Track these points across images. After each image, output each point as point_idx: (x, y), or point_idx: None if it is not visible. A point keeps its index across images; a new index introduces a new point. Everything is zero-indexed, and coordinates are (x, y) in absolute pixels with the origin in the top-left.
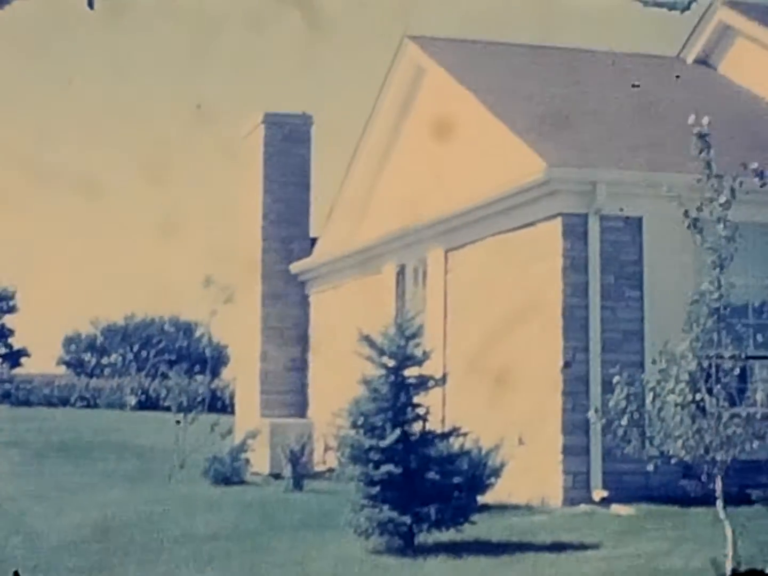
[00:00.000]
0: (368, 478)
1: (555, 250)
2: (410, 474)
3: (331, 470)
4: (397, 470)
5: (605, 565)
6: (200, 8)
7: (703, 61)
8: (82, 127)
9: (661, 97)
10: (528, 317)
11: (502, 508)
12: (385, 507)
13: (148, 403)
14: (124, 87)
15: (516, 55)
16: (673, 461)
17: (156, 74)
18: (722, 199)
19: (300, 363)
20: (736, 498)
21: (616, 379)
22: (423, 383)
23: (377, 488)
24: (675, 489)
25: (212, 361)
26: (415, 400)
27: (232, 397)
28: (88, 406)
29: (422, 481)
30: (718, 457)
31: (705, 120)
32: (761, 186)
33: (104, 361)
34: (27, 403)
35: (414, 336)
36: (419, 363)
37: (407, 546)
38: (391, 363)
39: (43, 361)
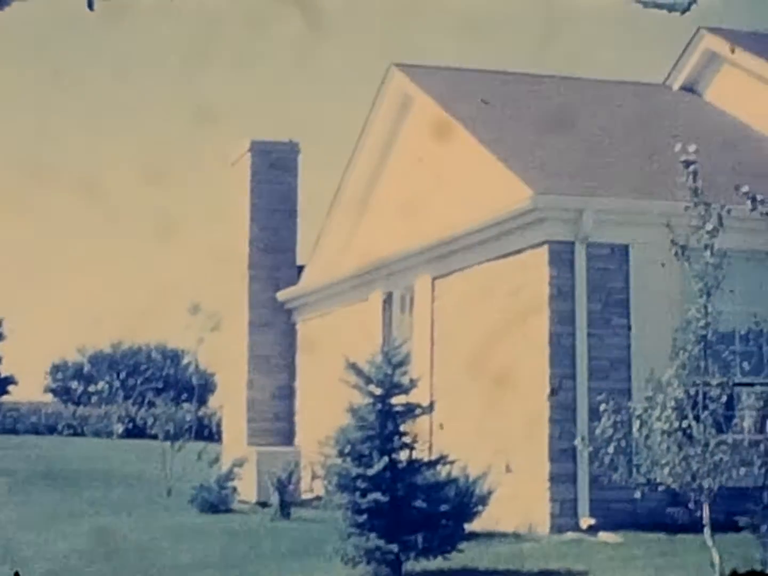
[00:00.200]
0: (355, 507)
1: (542, 277)
2: (397, 502)
3: (318, 498)
4: (384, 498)
5: None
6: (200, 8)
7: (689, 88)
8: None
9: (647, 125)
10: (515, 345)
11: (490, 535)
12: (373, 535)
13: (135, 431)
14: (123, 87)
15: (503, 83)
16: (660, 488)
17: (156, 74)
18: (709, 227)
19: (287, 391)
20: (723, 525)
21: (602, 407)
22: (410, 411)
23: (364, 516)
24: (662, 516)
25: (199, 389)
26: (402, 428)
27: (219, 425)
28: (75, 434)
29: (409, 509)
30: (705, 485)
31: (692, 148)
32: (751, 210)
33: (91, 389)
34: (14, 431)
35: (401, 364)
36: (406, 391)
37: (394, 574)
38: (378, 391)
39: (30, 389)
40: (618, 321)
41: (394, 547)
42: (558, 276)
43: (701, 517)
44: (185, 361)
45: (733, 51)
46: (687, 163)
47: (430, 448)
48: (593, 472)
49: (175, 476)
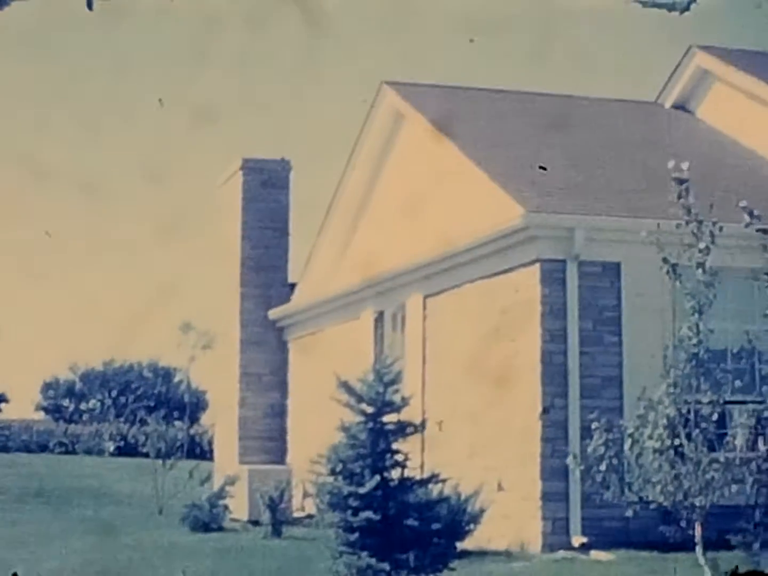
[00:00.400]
0: (347, 525)
1: (533, 295)
2: (389, 520)
3: (310, 517)
4: (376, 517)
5: None
6: (200, 8)
7: (681, 106)
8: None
9: (639, 142)
10: (506, 363)
11: (482, 554)
12: (364, 554)
13: (127, 449)
14: (123, 87)
15: (494, 101)
16: (652, 507)
17: (156, 75)
18: (702, 245)
19: (279, 409)
20: (715, 543)
21: (594, 425)
22: (402, 429)
23: (356, 535)
24: (654, 534)
25: (191, 407)
26: (394, 446)
27: (210, 443)
28: (66, 452)
29: (401, 527)
30: (697, 503)
31: (684, 165)
32: (747, 225)
33: (83, 406)
34: (5, 449)
35: (393, 382)
36: (398, 409)
37: None
38: (370, 409)
39: (22, 406)
40: (610, 339)
41: (386, 566)
42: (550, 294)
43: (693, 536)
44: (177, 379)
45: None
46: (679, 181)
47: (421, 467)
48: (585, 490)
49: (166, 494)
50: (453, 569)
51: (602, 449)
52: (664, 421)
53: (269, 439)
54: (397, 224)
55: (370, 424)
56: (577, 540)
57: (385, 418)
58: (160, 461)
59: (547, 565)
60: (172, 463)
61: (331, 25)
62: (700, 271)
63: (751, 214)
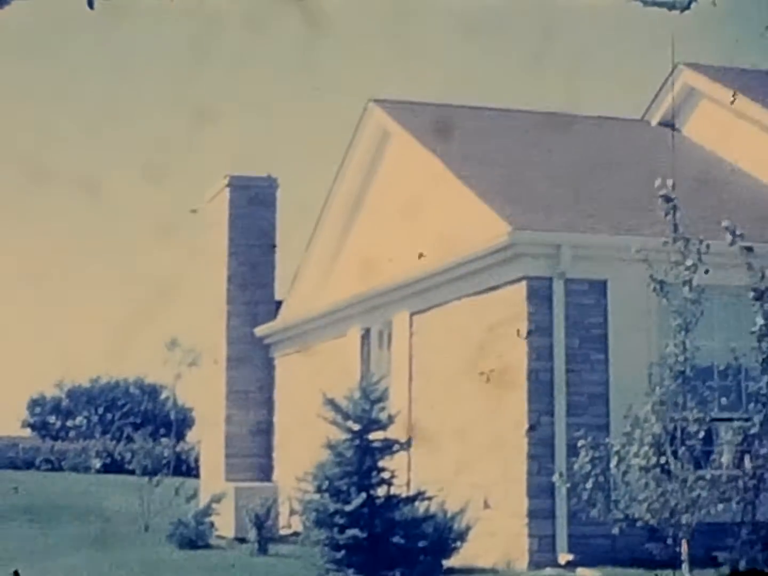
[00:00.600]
0: (333, 543)
1: (520, 313)
2: (375, 538)
3: (296, 534)
4: (362, 534)
5: None
6: (200, 8)
7: (667, 123)
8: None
9: (626, 160)
10: (493, 380)
11: (468, 571)
12: (351, 571)
13: (113, 466)
14: (123, 87)
15: (481, 118)
16: (638, 524)
17: (156, 75)
18: (689, 262)
19: (265, 426)
20: (702, 561)
21: (580, 442)
22: (388, 447)
23: (342, 552)
24: (641, 552)
25: (177, 424)
26: (380, 463)
27: (197, 461)
28: (52, 468)
29: (387, 545)
30: (684, 520)
31: (670, 183)
32: (730, 244)
33: (69, 423)
34: None
35: (379, 400)
36: (384, 427)
37: None
38: (356, 427)
39: (8, 423)
40: (596, 356)
41: None
42: (536, 311)
43: (680, 553)
44: (163, 396)
45: (734, 98)
46: (666, 199)
47: (408, 484)
48: (572, 507)
49: (153, 512)
50: None
51: (588, 467)
52: (650, 438)
53: (256, 456)
54: (384, 242)
55: (357, 442)
56: (564, 557)
57: (372, 436)
58: (146, 478)
59: None
60: (159, 480)
61: (332, 25)
62: (686, 288)
63: (733, 233)
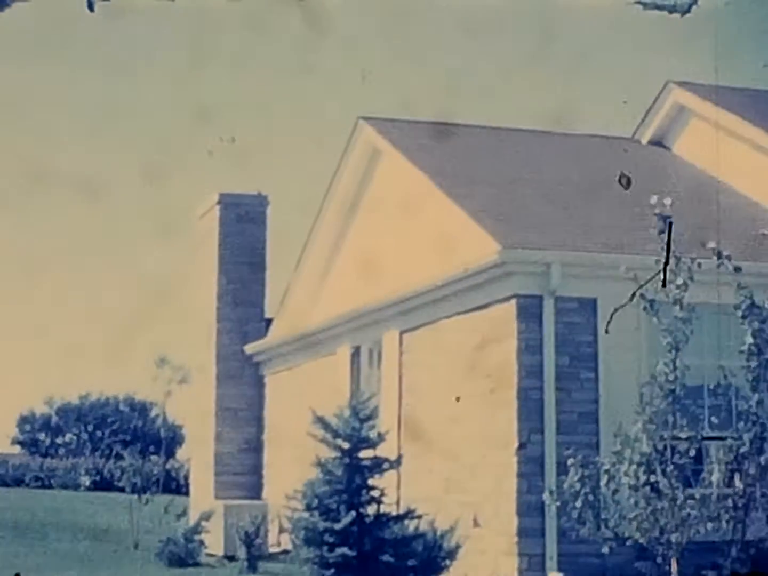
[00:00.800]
0: (323, 561)
1: (510, 331)
2: (365, 556)
3: (286, 552)
4: (352, 553)
5: None
6: (200, 8)
7: (657, 142)
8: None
9: (615, 178)
10: (483, 399)
11: None
12: None
13: (103, 484)
14: (123, 87)
15: (471, 137)
16: (628, 543)
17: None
18: (679, 281)
19: (255, 444)
20: None
21: (570, 461)
22: (377, 465)
23: (332, 571)
24: (631, 571)
25: (167, 442)
26: (370, 482)
27: (186, 478)
28: (42, 486)
29: (377, 563)
30: (673, 539)
31: (667, 201)
32: (717, 266)
33: (59, 440)
34: None
35: (369, 418)
36: (374, 445)
37: None
38: (346, 445)
39: None
40: (586, 375)
41: None
42: (526, 330)
43: (670, 572)
44: (153, 413)
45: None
46: (661, 217)
47: (398, 502)
48: (561, 526)
49: (142, 529)
50: None
51: (578, 485)
52: (640, 457)
53: (245, 474)
54: (374, 260)
55: (346, 460)
56: None
57: (361, 454)
58: (135, 496)
59: None
60: (148, 498)
61: (332, 25)
62: (677, 307)
63: (719, 255)
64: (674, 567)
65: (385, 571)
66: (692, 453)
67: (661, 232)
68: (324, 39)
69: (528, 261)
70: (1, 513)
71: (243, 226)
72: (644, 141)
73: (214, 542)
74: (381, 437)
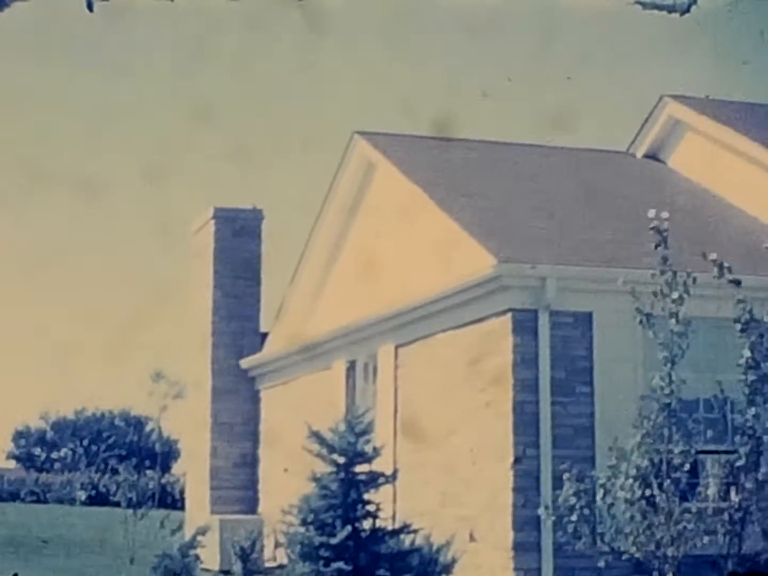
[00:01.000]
0: None
1: (505, 345)
2: (361, 571)
3: (281, 567)
4: (348, 567)
5: None
6: (200, 8)
7: (652, 156)
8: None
9: (611, 192)
10: (478, 412)
11: None
12: None
13: (98, 499)
14: (123, 87)
15: (466, 150)
16: (624, 557)
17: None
18: (675, 295)
19: (250, 459)
20: None
21: (566, 475)
22: (373, 480)
23: None
24: None
25: (162, 456)
26: (366, 496)
27: (182, 493)
28: (37, 500)
29: None
30: (669, 553)
31: (664, 215)
32: (718, 278)
33: (54, 455)
34: None
35: (364, 432)
36: (369, 460)
37: None
38: (341, 460)
39: None
40: (582, 389)
41: None
42: (521, 344)
43: None
44: (148, 428)
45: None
46: (658, 231)
47: (393, 517)
48: (557, 540)
49: (137, 544)
50: None
51: (574, 499)
52: (636, 471)
53: (241, 488)
54: (369, 274)
55: (342, 475)
56: None
57: (357, 468)
58: (131, 510)
59: None
60: (144, 513)
61: (333, 25)
62: (673, 321)
63: (720, 267)
64: None
65: None
66: (688, 467)
67: (658, 245)
68: (324, 39)
69: (523, 275)
70: None
71: (238, 240)
72: (639, 155)
73: (209, 557)
74: (377, 451)
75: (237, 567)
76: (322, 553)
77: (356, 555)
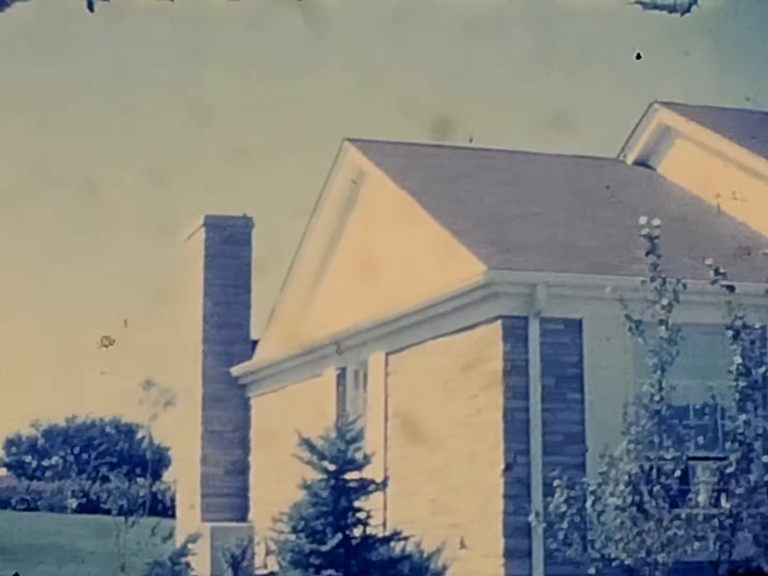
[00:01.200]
0: None
1: (496, 352)
2: None
3: (272, 574)
4: (338, 575)
5: None
6: (200, 8)
7: (642, 162)
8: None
9: (602, 199)
10: (469, 419)
11: None
12: None
13: (89, 506)
14: (122, 88)
15: (456, 158)
16: (614, 564)
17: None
18: (665, 302)
19: (241, 466)
20: None
21: (556, 482)
22: (364, 487)
23: None
24: None
25: (153, 464)
26: (356, 504)
27: (173, 500)
28: (28, 508)
29: None
30: (660, 559)
31: (655, 222)
32: (712, 283)
33: (45, 463)
34: None
35: (355, 440)
36: (360, 467)
37: None
38: (332, 467)
39: None
40: (572, 396)
41: None
42: (512, 351)
43: None
44: (139, 435)
45: None
46: (649, 238)
47: (384, 524)
48: (548, 547)
49: (128, 552)
50: None
51: (564, 506)
52: (626, 478)
53: (231, 496)
54: (359, 281)
55: (332, 482)
56: None
57: (347, 476)
58: (122, 518)
59: None
60: (135, 520)
61: (333, 25)
62: (662, 327)
63: (716, 271)
64: None
65: None
66: (678, 473)
67: (648, 252)
68: (324, 39)
69: (513, 282)
70: None
71: (228, 248)
72: (629, 161)
73: (200, 565)
74: (367, 459)
75: (228, 574)
76: (313, 560)
77: (347, 562)
